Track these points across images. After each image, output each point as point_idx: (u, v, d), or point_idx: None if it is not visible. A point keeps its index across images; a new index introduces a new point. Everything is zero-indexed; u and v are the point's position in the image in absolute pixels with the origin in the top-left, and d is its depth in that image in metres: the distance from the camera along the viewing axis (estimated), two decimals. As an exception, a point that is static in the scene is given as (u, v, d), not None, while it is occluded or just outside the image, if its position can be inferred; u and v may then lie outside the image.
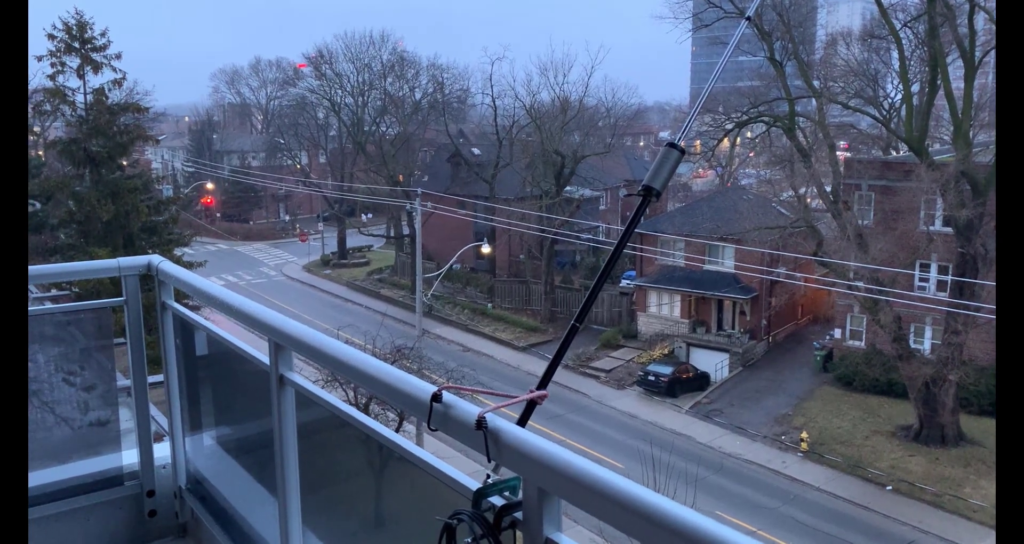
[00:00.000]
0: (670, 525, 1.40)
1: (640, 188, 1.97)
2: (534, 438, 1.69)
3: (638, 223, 2.02)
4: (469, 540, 1.73)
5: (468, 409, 1.83)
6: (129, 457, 4.08)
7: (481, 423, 1.75)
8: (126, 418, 4.20)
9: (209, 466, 3.93)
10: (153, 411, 4.28)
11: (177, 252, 32.69)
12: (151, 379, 4.11)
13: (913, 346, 32.36)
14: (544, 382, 1.93)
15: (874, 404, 33.59)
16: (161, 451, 4.10)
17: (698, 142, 43.41)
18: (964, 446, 29.94)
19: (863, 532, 25.44)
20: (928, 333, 33.97)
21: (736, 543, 1.31)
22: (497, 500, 1.77)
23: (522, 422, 1.87)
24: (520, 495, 1.75)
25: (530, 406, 1.90)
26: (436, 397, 1.89)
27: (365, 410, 22.52)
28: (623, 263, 47.26)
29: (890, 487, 27.99)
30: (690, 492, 20.79)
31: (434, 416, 1.89)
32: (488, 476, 1.80)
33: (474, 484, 1.84)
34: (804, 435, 31.11)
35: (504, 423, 1.77)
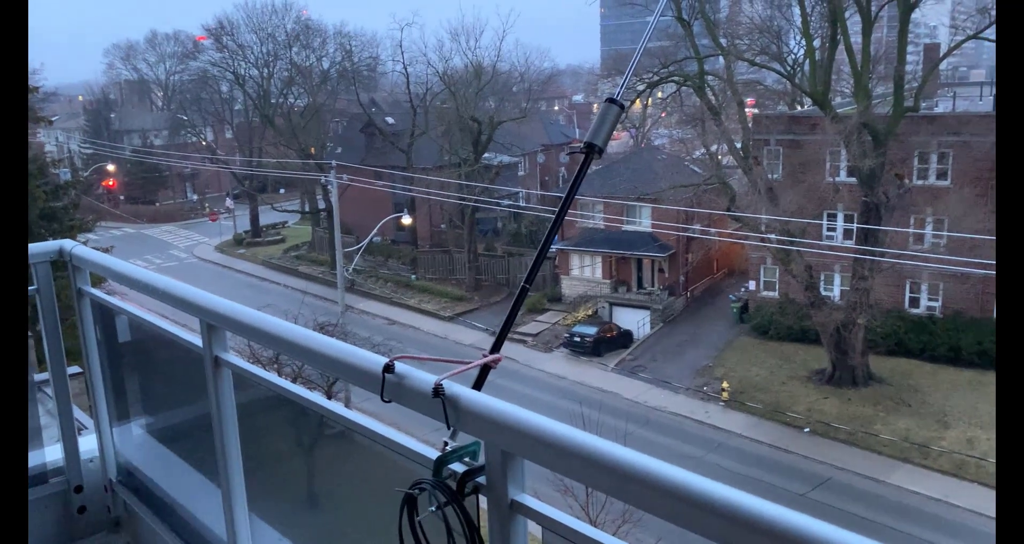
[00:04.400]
0: (635, 475, 1.41)
1: (582, 145, 1.95)
2: (494, 401, 1.67)
3: (582, 180, 2.00)
4: (433, 509, 1.71)
5: (423, 378, 1.79)
6: (52, 453, 3.89)
7: (438, 391, 1.72)
8: (45, 413, 4.00)
9: (141, 457, 3.78)
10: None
11: (80, 238, 31.17)
12: (68, 370, 3.91)
13: (824, 293, 33.78)
14: (497, 346, 1.91)
15: (789, 351, 35.01)
16: (87, 445, 3.93)
17: (611, 103, 43.71)
18: (873, 385, 31.59)
19: (784, 474, 26.66)
20: (837, 280, 35.49)
21: (702, 487, 1.33)
22: (458, 467, 1.75)
23: (477, 386, 1.85)
24: (481, 459, 1.73)
25: (484, 370, 1.88)
26: (388, 368, 1.84)
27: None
28: (544, 228, 47.47)
29: (807, 429, 29.35)
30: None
31: (387, 387, 1.84)
32: (446, 443, 1.77)
33: (432, 453, 1.81)
34: (725, 385, 32.24)
35: (462, 389, 1.74)
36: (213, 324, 2.62)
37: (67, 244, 3.61)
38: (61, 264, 3.66)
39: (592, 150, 1.95)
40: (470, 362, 1.85)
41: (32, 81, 31.43)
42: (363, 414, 2.19)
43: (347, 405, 26.13)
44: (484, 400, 1.69)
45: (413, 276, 47.95)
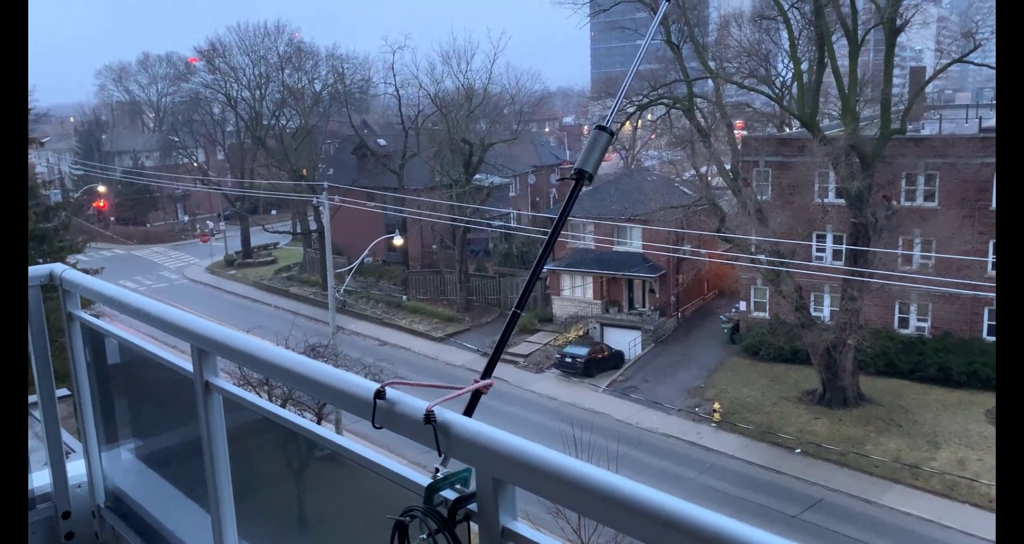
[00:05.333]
0: (629, 504, 1.41)
1: (573, 172, 1.98)
2: (486, 428, 1.67)
3: (572, 206, 2.02)
4: (424, 536, 1.70)
5: (415, 404, 1.79)
6: (40, 478, 3.85)
7: (430, 417, 1.72)
8: (33, 436, 3.96)
9: (130, 481, 3.75)
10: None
11: (71, 260, 31.01)
12: (57, 394, 3.89)
13: (814, 314, 33.87)
14: (488, 371, 1.91)
15: (780, 372, 35.01)
16: (75, 469, 3.89)
17: (600, 126, 44.01)
18: (864, 406, 31.60)
19: (776, 495, 26.56)
20: (827, 301, 35.60)
21: (697, 516, 1.33)
22: (449, 494, 1.74)
23: (468, 412, 1.84)
24: (472, 487, 1.73)
25: (475, 396, 1.88)
26: (380, 394, 1.84)
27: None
28: (536, 248, 47.67)
29: (799, 450, 29.29)
30: (611, 469, 21.24)
31: (379, 414, 1.84)
32: (437, 470, 1.77)
33: (424, 479, 1.81)
34: (716, 406, 32.18)
35: (453, 415, 1.74)
36: (204, 349, 2.62)
37: (57, 268, 3.60)
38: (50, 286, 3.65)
39: (583, 176, 1.98)
40: (461, 388, 1.85)
41: (23, 102, 31.38)
42: (354, 439, 2.18)
43: (337, 427, 25.97)
44: (475, 426, 1.69)
45: (404, 297, 47.85)
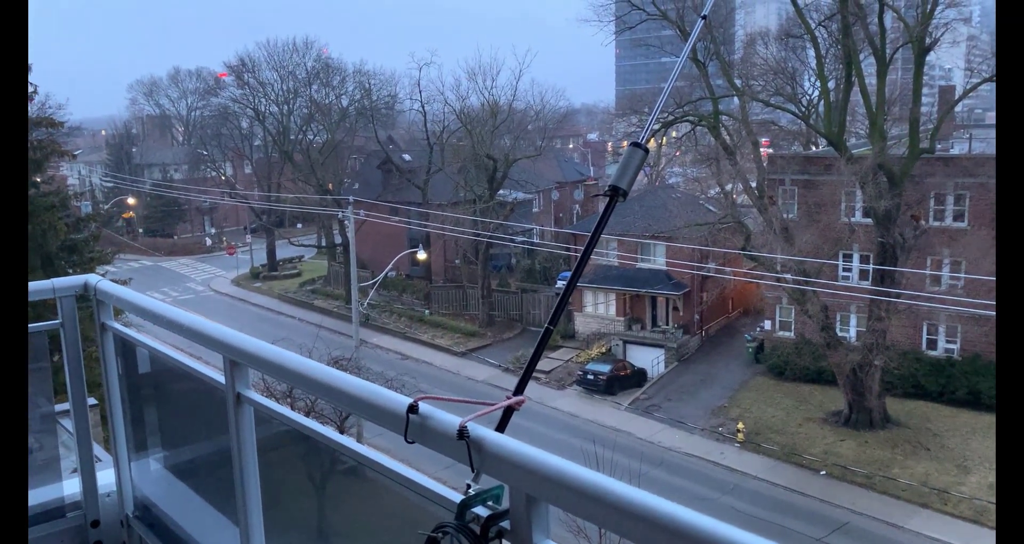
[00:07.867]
0: (668, 526, 1.39)
1: (607, 187, 1.98)
2: (520, 445, 1.66)
3: (607, 223, 2.02)
4: None
5: (447, 419, 1.78)
6: (70, 487, 3.89)
7: (463, 433, 1.72)
8: (60, 445, 4.00)
9: (158, 492, 3.77)
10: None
11: (99, 270, 31.46)
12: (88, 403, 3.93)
13: (840, 334, 33.46)
14: (521, 387, 1.91)
15: (805, 392, 34.59)
16: (105, 478, 3.92)
17: (625, 143, 44.06)
18: (891, 428, 31.10)
19: (801, 517, 26.16)
20: (853, 321, 35.16)
21: (735, 538, 1.31)
22: (482, 510, 1.73)
23: (500, 429, 1.84)
24: (505, 504, 1.72)
25: (508, 412, 1.87)
26: (412, 408, 1.84)
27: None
28: (558, 264, 47.62)
29: (824, 472, 28.86)
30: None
31: (411, 428, 1.84)
32: (469, 486, 1.76)
33: (455, 496, 1.80)
34: (740, 426, 31.83)
35: (486, 431, 1.73)
36: (236, 361, 2.63)
37: (92, 279, 3.65)
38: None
39: (617, 193, 1.98)
40: (494, 404, 1.84)
41: (57, 116, 32.07)
42: (386, 455, 2.18)
43: (359, 438, 25.99)
44: (509, 443, 1.68)
45: (426, 311, 47.96)
